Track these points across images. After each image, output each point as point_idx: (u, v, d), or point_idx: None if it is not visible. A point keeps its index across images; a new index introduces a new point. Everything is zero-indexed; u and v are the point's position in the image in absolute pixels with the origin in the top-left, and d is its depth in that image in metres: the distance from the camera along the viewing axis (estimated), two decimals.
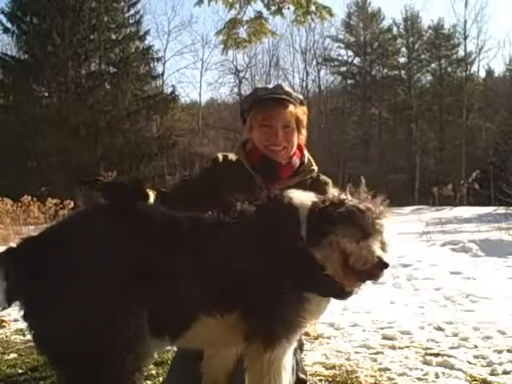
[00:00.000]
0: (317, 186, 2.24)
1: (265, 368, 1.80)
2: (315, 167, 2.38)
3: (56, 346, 1.62)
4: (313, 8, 5.89)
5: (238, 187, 2.10)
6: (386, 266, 1.80)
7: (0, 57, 26.92)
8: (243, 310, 1.79)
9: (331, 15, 6.12)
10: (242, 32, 6.32)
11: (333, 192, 1.96)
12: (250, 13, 6.23)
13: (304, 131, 2.36)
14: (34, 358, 3.29)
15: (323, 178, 2.38)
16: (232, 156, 2.42)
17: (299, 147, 2.38)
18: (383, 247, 1.86)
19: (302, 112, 2.32)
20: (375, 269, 1.80)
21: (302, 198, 1.91)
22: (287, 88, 2.34)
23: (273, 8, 6.07)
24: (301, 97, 2.37)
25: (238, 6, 6.06)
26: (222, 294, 1.74)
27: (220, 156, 2.42)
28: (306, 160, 2.38)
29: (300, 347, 2.52)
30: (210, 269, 1.73)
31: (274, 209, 1.90)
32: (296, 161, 2.33)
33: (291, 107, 2.28)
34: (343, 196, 1.92)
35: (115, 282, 1.62)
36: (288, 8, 6.10)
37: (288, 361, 1.87)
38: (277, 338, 1.80)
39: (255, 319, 1.79)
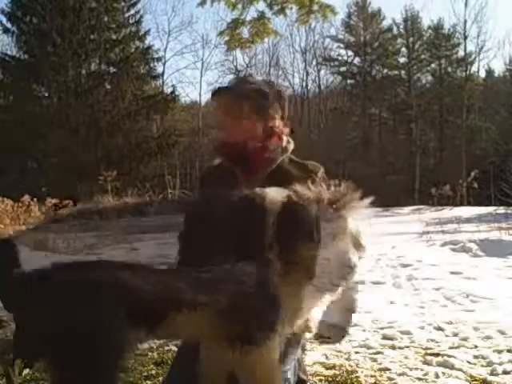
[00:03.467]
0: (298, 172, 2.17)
1: (250, 369, 1.77)
2: (284, 153, 2.23)
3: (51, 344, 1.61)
4: (316, 7, 5.89)
5: (222, 185, 2.14)
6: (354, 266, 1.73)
7: (0, 57, 26.93)
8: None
9: (334, 14, 6.14)
10: (245, 32, 6.32)
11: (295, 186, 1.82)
12: (252, 13, 6.24)
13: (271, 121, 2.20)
14: None
15: (310, 164, 2.27)
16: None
17: (275, 135, 2.23)
18: (355, 242, 1.78)
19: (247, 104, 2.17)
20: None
21: (274, 196, 1.80)
22: (249, 79, 2.26)
23: (275, 8, 6.07)
24: (264, 89, 2.19)
25: (240, 6, 6.06)
26: None
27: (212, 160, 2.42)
28: (285, 149, 2.25)
29: (302, 347, 2.52)
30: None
31: (243, 208, 1.80)
32: (271, 146, 2.19)
33: (236, 100, 2.17)
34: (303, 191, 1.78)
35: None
36: (291, 8, 6.11)
37: (274, 359, 1.80)
38: (252, 337, 1.75)
39: (224, 317, 1.73)
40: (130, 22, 28.44)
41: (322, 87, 37.00)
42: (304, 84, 36.44)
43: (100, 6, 26.70)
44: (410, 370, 3.06)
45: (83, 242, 10.66)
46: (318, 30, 34.63)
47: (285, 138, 2.25)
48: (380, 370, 3.09)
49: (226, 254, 1.74)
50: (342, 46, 36.83)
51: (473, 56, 34.08)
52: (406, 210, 21.17)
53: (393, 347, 3.51)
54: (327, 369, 3.12)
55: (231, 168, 2.21)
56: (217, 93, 2.27)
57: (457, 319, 4.12)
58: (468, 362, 3.16)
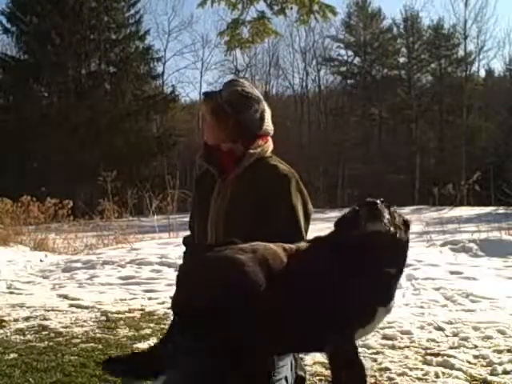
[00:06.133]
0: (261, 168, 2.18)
1: None
2: (255, 151, 2.22)
3: None
4: (316, 7, 5.86)
5: (205, 186, 2.26)
6: None
7: (0, 57, 26.93)
8: None
9: (334, 14, 6.09)
10: (245, 32, 6.30)
11: None
12: (252, 13, 6.22)
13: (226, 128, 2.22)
14: (34, 358, 3.29)
15: (272, 161, 2.25)
16: None
17: (246, 138, 2.24)
18: None
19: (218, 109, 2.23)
20: None
21: None
22: (230, 86, 2.27)
23: (275, 8, 6.05)
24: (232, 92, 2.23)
25: (240, 6, 6.04)
26: None
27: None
28: (255, 147, 2.25)
29: None
30: None
31: None
32: (238, 148, 2.23)
33: (204, 105, 2.29)
34: None
35: None
36: (291, 8, 6.08)
37: None
38: None
39: None
40: (130, 21, 28.46)
41: (322, 87, 37.05)
42: (304, 84, 36.52)
43: (100, 5, 26.71)
44: (410, 370, 3.06)
45: (83, 242, 10.67)
46: (318, 30, 34.71)
47: (260, 141, 2.26)
48: (380, 370, 3.09)
49: None
50: (342, 45, 36.87)
51: (473, 56, 34.14)
52: (406, 209, 21.17)
53: (393, 347, 3.51)
54: (327, 369, 3.11)
55: (210, 169, 2.29)
56: (201, 99, 2.41)
57: (457, 319, 4.12)
58: (468, 362, 3.16)
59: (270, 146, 2.30)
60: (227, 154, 2.23)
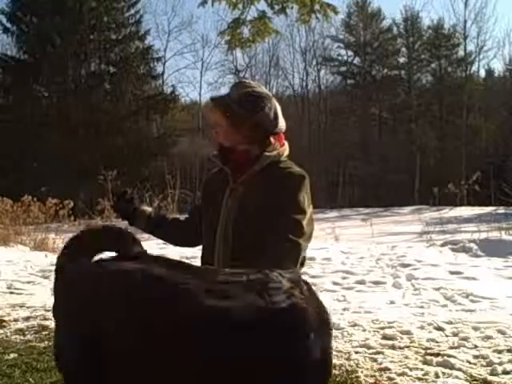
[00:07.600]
0: (275, 172, 2.19)
1: None
2: (271, 154, 2.23)
3: None
4: (317, 6, 5.86)
5: (216, 185, 2.26)
6: None
7: (0, 57, 26.93)
8: None
9: (336, 13, 6.09)
10: (246, 32, 6.30)
11: None
12: (253, 12, 6.22)
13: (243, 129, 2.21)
14: (34, 358, 3.29)
15: (286, 164, 2.25)
16: None
17: (259, 139, 2.24)
18: None
19: (225, 114, 2.23)
20: None
21: None
22: (239, 88, 2.27)
23: (276, 7, 6.04)
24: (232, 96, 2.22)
25: (241, 5, 6.03)
26: None
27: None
28: (271, 150, 2.25)
29: None
30: None
31: None
32: (255, 149, 2.23)
33: (215, 111, 2.28)
34: None
35: None
36: (292, 7, 6.08)
37: None
38: None
39: None
40: (130, 21, 28.43)
41: (322, 87, 37.01)
42: (304, 84, 36.49)
43: (100, 5, 26.69)
44: (410, 370, 3.06)
45: None
46: (318, 30, 34.67)
47: (276, 143, 2.26)
48: (380, 369, 3.09)
49: None
50: (342, 46, 36.87)
51: (473, 56, 34.12)
52: (406, 209, 21.20)
53: (393, 347, 3.50)
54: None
55: (224, 169, 2.28)
56: (210, 101, 2.37)
57: (457, 319, 4.12)
58: (468, 362, 3.16)
59: (285, 149, 2.31)
60: (243, 154, 2.24)
